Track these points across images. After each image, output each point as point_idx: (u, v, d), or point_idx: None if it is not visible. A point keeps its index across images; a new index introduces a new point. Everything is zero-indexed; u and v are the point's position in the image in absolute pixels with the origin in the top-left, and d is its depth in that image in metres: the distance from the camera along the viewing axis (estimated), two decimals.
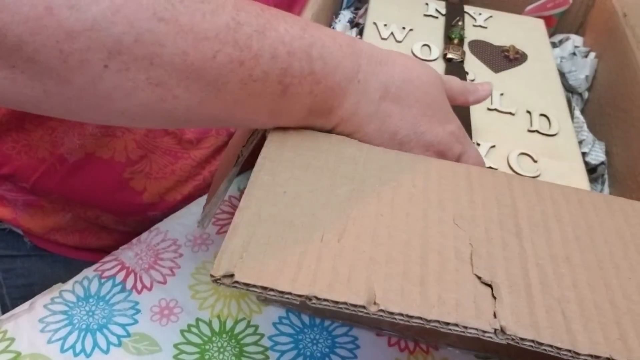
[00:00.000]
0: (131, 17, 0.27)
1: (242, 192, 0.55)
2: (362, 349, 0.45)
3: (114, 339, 0.43)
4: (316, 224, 0.32)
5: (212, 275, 0.29)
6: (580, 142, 0.52)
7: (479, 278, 0.31)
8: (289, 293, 0.29)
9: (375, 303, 0.29)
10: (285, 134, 0.37)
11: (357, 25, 0.59)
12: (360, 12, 0.60)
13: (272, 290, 0.29)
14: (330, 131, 0.38)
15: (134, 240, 0.49)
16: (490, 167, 0.45)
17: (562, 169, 0.47)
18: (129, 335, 0.44)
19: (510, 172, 0.45)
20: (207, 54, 0.30)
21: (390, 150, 0.38)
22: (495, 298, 0.30)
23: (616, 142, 0.50)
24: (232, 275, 0.29)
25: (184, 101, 0.31)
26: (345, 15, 0.59)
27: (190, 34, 0.29)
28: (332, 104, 0.36)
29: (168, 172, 0.55)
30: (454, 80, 0.44)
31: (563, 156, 0.47)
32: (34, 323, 0.43)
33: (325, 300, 0.29)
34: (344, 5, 0.62)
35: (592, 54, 0.57)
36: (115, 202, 0.55)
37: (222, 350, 0.44)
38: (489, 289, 0.31)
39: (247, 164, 0.40)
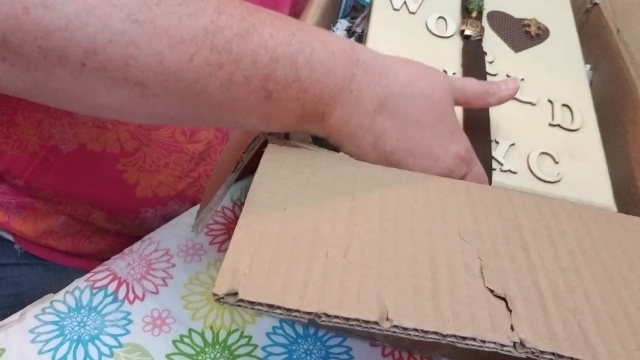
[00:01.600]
0: (104, 18, 0.28)
1: (235, 203, 0.55)
2: (355, 359, 0.45)
3: (105, 350, 0.43)
4: (320, 240, 0.32)
5: (214, 294, 0.28)
6: None
7: (492, 291, 0.31)
8: (297, 310, 0.28)
9: (388, 319, 0.28)
10: (282, 152, 0.37)
11: (353, 34, 0.59)
12: (357, 21, 0.60)
13: (279, 307, 0.28)
14: (325, 138, 0.38)
15: (126, 250, 0.49)
16: (509, 171, 0.43)
17: (584, 172, 0.44)
18: (120, 345, 0.43)
19: (530, 175, 0.43)
20: (184, 57, 0.30)
21: (389, 168, 0.38)
22: (510, 311, 0.30)
23: (609, 154, 0.51)
24: (235, 294, 0.28)
25: (165, 100, 0.31)
26: (343, 24, 0.59)
27: (166, 37, 0.29)
28: (322, 111, 0.35)
29: (162, 165, 0.54)
30: (469, 83, 0.41)
31: (585, 156, 0.45)
32: (24, 333, 0.43)
33: (335, 317, 0.28)
34: (341, 14, 0.62)
35: (587, 66, 0.58)
36: (108, 197, 0.55)
37: None
38: (503, 302, 0.30)
39: (244, 171, 0.40)
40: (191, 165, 0.57)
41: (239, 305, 0.28)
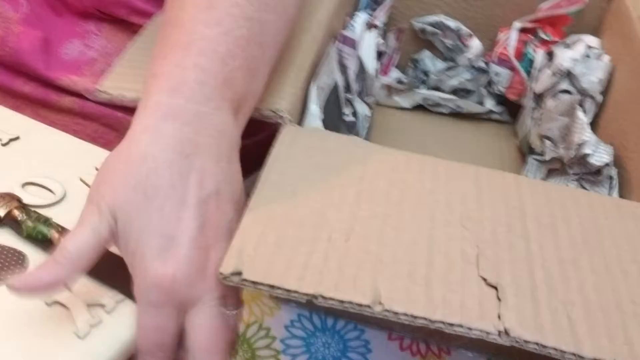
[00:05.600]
0: None
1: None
2: (373, 352, 0.45)
3: None
4: (324, 224, 0.33)
5: (220, 273, 0.30)
6: (582, 144, 0.51)
7: (485, 280, 0.31)
8: (296, 291, 0.30)
9: (380, 303, 0.30)
10: (296, 135, 0.38)
11: (374, 27, 0.58)
12: (376, 12, 0.60)
13: (279, 288, 0.30)
14: None
15: None
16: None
17: None
18: None
19: None
20: None
21: (399, 151, 0.39)
22: (500, 300, 0.31)
23: (631, 147, 0.50)
24: (240, 273, 0.30)
25: None
26: (361, 16, 0.58)
27: None
28: None
29: None
30: None
31: None
32: None
33: (331, 299, 0.29)
34: (360, 6, 0.61)
35: (607, 57, 0.57)
36: None
37: (234, 354, 0.44)
38: (494, 290, 0.31)
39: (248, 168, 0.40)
40: None
41: (243, 285, 0.30)
